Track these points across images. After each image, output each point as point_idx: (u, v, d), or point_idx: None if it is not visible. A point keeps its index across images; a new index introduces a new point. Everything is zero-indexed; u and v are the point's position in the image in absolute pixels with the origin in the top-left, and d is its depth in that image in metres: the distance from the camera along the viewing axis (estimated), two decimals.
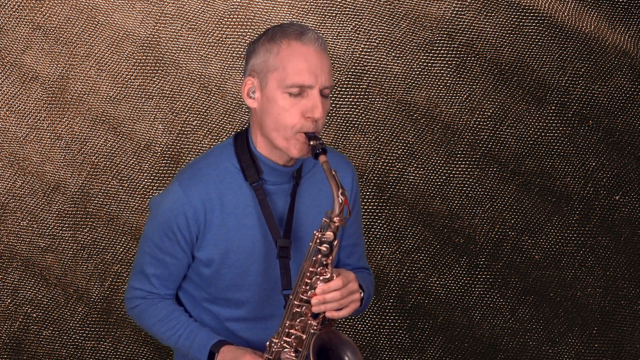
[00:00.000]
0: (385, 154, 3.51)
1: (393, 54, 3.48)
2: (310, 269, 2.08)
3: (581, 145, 3.57)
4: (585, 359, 3.64)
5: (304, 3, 3.42)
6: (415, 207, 3.54)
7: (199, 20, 3.40)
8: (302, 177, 2.24)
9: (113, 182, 3.41)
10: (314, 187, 2.25)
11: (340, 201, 2.03)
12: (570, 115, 3.56)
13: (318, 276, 2.07)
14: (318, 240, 2.07)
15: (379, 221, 3.52)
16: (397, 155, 3.52)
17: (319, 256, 2.07)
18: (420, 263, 3.56)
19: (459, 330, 3.59)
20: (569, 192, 3.59)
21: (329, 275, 2.07)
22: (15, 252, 3.38)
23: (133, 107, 3.40)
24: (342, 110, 3.48)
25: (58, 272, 3.40)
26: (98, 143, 3.39)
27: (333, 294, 2.06)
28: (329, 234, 2.06)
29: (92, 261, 3.41)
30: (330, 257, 2.07)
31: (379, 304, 3.55)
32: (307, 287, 2.09)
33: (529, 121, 3.54)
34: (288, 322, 2.11)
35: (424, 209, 3.54)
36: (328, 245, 2.06)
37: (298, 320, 2.11)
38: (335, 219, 2.05)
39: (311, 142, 2.08)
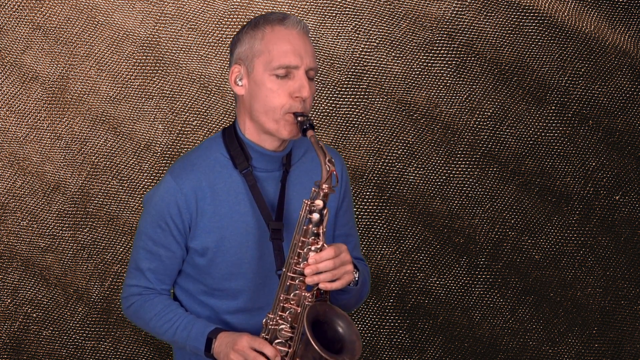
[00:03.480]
0: (385, 154, 3.51)
1: (393, 54, 3.48)
2: (302, 239, 2.10)
3: (581, 145, 3.57)
4: (585, 359, 3.64)
5: (304, 3, 3.42)
6: (415, 207, 3.54)
7: (199, 20, 3.40)
8: (292, 164, 2.27)
9: (113, 182, 3.41)
10: (303, 174, 2.28)
11: (328, 168, 2.06)
12: (570, 115, 3.56)
13: (310, 246, 2.09)
14: (308, 209, 2.09)
15: (379, 221, 3.52)
16: (397, 155, 3.52)
17: (310, 226, 2.09)
18: (420, 263, 3.56)
19: (459, 330, 3.59)
20: (569, 192, 3.59)
21: (320, 244, 2.09)
22: (15, 252, 3.38)
23: (133, 107, 3.40)
24: (342, 110, 3.48)
25: (58, 272, 3.40)
26: (98, 143, 3.39)
27: (325, 263, 2.07)
28: (319, 202, 2.08)
29: (92, 261, 3.41)
30: (321, 227, 2.09)
31: (379, 304, 3.55)
32: (300, 259, 2.10)
33: (529, 121, 3.54)
34: (283, 296, 2.13)
35: (424, 209, 3.54)
36: (318, 214, 2.08)
37: (292, 294, 2.12)
38: (324, 187, 2.08)
39: (299, 119, 2.12)
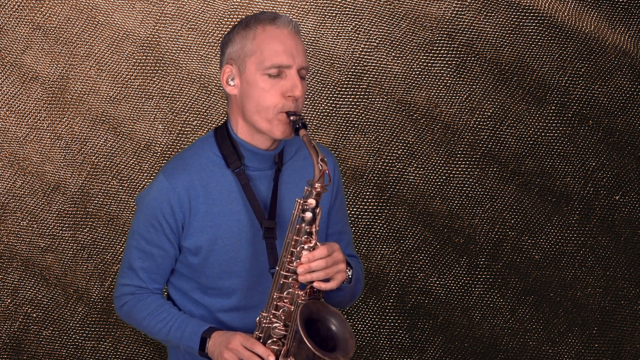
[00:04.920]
0: (385, 154, 3.51)
1: (393, 54, 3.48)
2: (295, 238, 2.11)
3: (581, 145, 3.57)
4: (585, 359, 3.64)
5: (304, 3, 3.42)
6: (415, 207, 3.54)
7: (199, 20, 3.40)
8: (284, 163, 2.28)
9: (113, 182, 3.41)
10: (295, 173, 2.29)
11: (321, 167, 2.07)
12: (570, 115, 3.56)
13: (303, 245, 2.10)
14: (300, 207, 2.10)
15: (379, 221, 3.52)
16: (397, 155, 3.52)
17: (303, 224, 2.10)
18: (420, 263, 3.56)
19: (459, 330, 3.60)
20: (569, 192, 3.59)
21: (313, 243, 2.10)
22: (15, 252, 3.38)
23: (133, 107, 3.40)
24: (342, 110, 3.48)
25: (58, 272, 3.40)
26: (98, 143, 3.39)
27: (318, 262, 2.08)
28: (311, 201, 2.09)
29: (92, 261, 3.41)
30: (314, 225, 2.10)
31: (379, 304, 3.55)
32: (293, 257, 2.11)
33: (529, 121, 3.54)
34: (276, 295, 2.13)
35: (424, 209, 3.54)
36: (311, 213, 2.09)
37: (286, 292, 2.12)
38: (317, 185, 2.08)
39: (291, 118, 2.14)
